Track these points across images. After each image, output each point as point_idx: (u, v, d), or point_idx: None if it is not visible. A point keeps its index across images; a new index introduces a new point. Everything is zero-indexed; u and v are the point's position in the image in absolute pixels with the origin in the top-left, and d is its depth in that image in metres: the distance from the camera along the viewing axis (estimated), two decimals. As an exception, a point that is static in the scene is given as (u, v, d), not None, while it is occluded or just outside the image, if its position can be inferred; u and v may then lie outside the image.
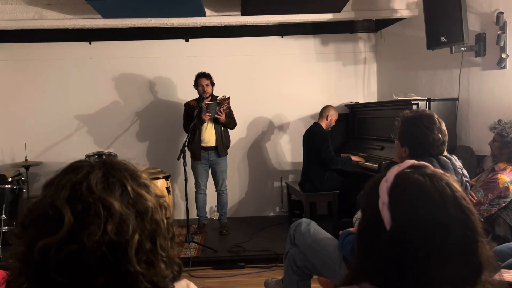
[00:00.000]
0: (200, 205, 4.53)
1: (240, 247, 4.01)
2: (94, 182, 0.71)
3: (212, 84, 4.36)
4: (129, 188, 0.73)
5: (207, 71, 4.37)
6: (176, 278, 0.79)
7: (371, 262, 0.83)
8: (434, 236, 0.78)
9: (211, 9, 4.48)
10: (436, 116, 2.08)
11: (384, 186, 0.84)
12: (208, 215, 4.84)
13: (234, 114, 4.47)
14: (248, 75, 5.20)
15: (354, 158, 4.33)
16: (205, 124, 4.31)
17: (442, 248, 0.77)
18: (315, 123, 4.44)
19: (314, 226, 2.42)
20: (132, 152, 5.12)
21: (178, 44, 5.15)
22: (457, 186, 0.84)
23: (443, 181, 0.83)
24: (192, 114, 4.31)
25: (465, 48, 3.47)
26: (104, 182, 0.72)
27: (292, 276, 2.42)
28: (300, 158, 4.70)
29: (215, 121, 4.32)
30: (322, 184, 4.25)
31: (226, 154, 4.49)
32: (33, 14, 4.36)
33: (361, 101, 5.24)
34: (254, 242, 4.18)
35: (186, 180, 3.92)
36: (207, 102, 4.23)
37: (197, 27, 4.86)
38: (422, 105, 3.70)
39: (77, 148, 4.86)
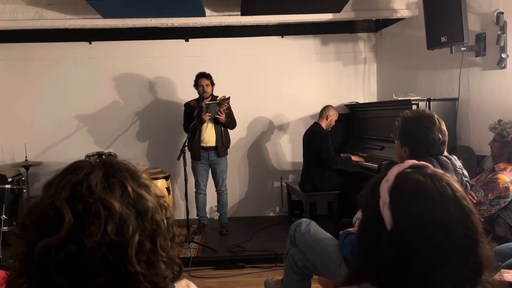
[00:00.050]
0: (200, 205, 4.53)
1: (240, 247, 4.01)
2: (95, 183, 0.71)
3: (212, 84, 4.36)
4: (130, 189, 0.73)
5: (207, 71, 4.37)
6: (176, 278, 0.79)
7: (371, 262, 0.83)
8: (435, 236, 0.78)
9: (211, 9, 4.48)
10: (436, 116, 2.08)
11: (385, 186, 0.84)
12: (208, 215, 4.84)
13: (234, 114, 4.47)
14: (248, 75, 5.20)
15: (354, 158, 4.33)
16: (205, 124, 4.31)
17: (442, 248, 0.77)
18: (315, 123, 4.43)
19: (314, 226, 2.43)
20: (132, 152, 5.12)
21: (178, 44, 5.15)
22: (457, 186, 0.84)
23: (443, 181, 0.83)
24: (192, 114, 4.31)
25: (465, 48, 3.47)
26: (104, 182, 0.72)
27: (292, 276, 2.42)
28: (300, 158, 4.70)
29: (215, 121, 4.32)
30: (322, 184, 4.25)
31: (226, 154, 4.49)
32: (33, 14, 4.36)
33: (361, 101, 5.24)
34: (254, 242, 4.18)
35: (186, 180, 3.92)
36: (207, 102, 4.23)
37: (197, 27, 4.86)
38: (422, 105, 3.70)
39: (77, 148, 4.86)
